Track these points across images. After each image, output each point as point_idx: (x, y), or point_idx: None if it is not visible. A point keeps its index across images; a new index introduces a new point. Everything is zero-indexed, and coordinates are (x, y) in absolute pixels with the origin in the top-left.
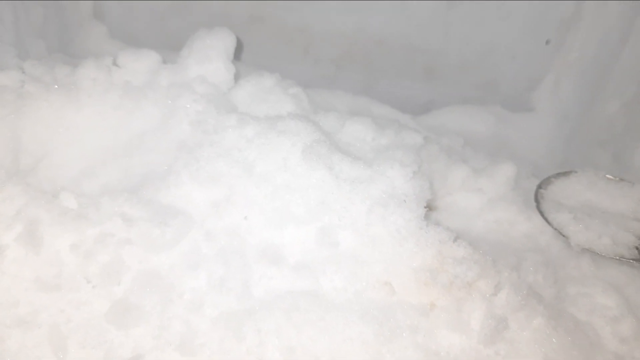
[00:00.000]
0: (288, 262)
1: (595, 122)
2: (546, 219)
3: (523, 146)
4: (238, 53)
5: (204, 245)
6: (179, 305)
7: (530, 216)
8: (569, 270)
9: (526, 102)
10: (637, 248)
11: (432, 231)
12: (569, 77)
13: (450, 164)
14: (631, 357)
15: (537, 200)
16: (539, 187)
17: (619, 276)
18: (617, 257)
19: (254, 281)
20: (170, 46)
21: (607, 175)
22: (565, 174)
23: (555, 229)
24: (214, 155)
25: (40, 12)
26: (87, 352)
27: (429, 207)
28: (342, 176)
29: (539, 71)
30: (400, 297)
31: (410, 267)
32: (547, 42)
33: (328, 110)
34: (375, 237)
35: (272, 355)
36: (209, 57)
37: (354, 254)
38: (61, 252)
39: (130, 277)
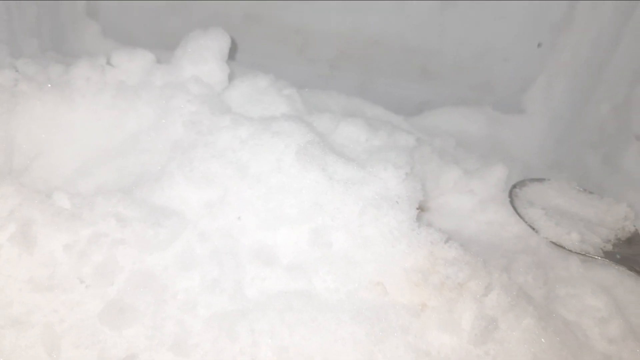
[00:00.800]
0: (281, 263)
1: (586, 124)
2: (519, 214)
3: (515, 147)
4: (232, 53)
5: (197, 246)
6: (173, 305)
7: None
8: (558, 272)
9: (518, 104)
10: (602, 249)
11: (424, 232)
12: (560, 79)
13: (442, 165)
14: (619, 357)
15: (510, 196)
16: (514, 186)
17: (608, 278)
18: (583, 253)
19: (247, 282)
20: (165, 45)
21: (578, 187)
22: (538, 180)
23: (527, 223)
24: (208, 156)
25: (33, 10)
26: (80, 352)
27: (421, 209)
28: (335, 177)
29: (532, 73)
30: (392, 297)
31: (402, 268)
32: (539, 45)
33: (322, 112)
34: (367, 238)
35: (265, 355)
36: (204, 58)
37: (347, 254)
38: (55, 252)
39: (124, 277)
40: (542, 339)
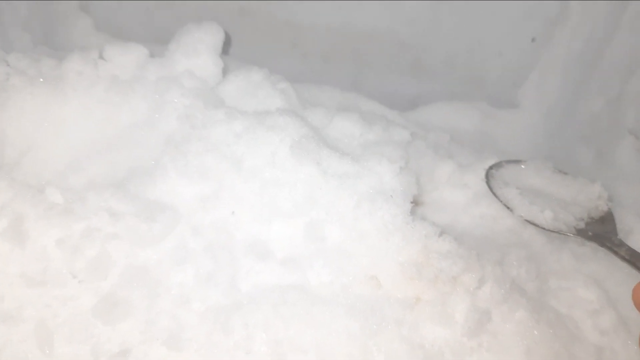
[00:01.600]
0: (275, 257)
1: (579, 118)
2: (494, 193)
3: (508, 142)
4: (226, 47)
5: (191, 240)
6: (167, 299)
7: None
8: (551, 265)
9: (511, 99)
10: (575, 227)
11: (418, 226)
12: (554, 74)
13: (436, 159)
14: (611, 349)
15: (487, 177)
16: (490, 168)
17: (600, 270)
18: (556, 231)
19: (242, 276)
20: (158, 39)
21: (553, 168)
22: (515, 161)
23: (502, 202)
24: (202, 150)
25: (25, 4)
26: (73, 347)
27: (416, 202)
28: (330, 171)
29: (525, 68)
30: (386, 291)
31: (397, 262)
32: (533, 40)
33: (316, 106)
34: (362, 231)
35: (260, 349)
36: (198, 52)
37: (341, 248)
38: (47, 247)
39: (117, 272)
40: (535, 331)
